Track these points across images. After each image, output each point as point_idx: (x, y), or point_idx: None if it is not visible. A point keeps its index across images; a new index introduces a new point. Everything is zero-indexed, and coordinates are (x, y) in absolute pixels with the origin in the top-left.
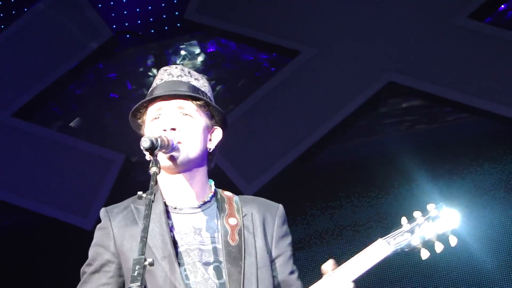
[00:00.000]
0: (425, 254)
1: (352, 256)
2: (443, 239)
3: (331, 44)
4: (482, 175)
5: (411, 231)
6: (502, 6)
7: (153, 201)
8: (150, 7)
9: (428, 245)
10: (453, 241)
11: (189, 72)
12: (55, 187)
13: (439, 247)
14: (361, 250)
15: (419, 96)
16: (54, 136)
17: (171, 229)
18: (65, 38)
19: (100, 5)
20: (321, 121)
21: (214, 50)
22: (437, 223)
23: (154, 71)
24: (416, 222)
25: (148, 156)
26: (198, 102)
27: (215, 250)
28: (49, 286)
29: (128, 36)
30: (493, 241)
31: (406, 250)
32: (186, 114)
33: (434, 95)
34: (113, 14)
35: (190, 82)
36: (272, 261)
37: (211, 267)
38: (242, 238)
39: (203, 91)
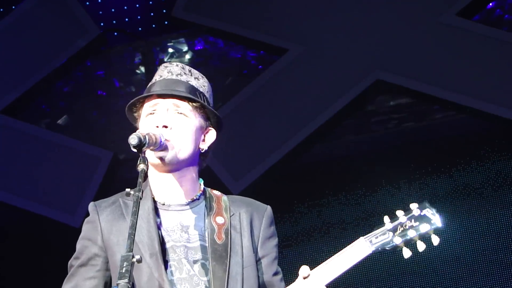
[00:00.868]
0: (407, 253)
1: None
2: (426, 238)
3: (319, 42)
4: (469, 174)
5: (393, 230)
6: (490, 4)
7: (141, 198)
8: (137, 5)
9: (410, 244)
10: (435, 240)
11: (189, 71)
12: (43, 184)
13: (421, 246)
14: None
15: (407, 94)
16: (42, 133)
17: (158, 226)
18: (53, 36)
19: (87, 3)
20: (309, 118)
21: (201, 48)
22: (420, 222)
23: (142, 68)
24: (399, 221)
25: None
26: (193, 104)
27: (202, 248)
28: (35, 283)
29: (115, 33)
30: (480, 239)
31: (388, 249)
32: (181, 113)
33: (422, 93)
34: (100, 12)
35: (189, 82)
36: (257, 261)
37: (197, 265)
38: (229, 237)
39: (201, 92)
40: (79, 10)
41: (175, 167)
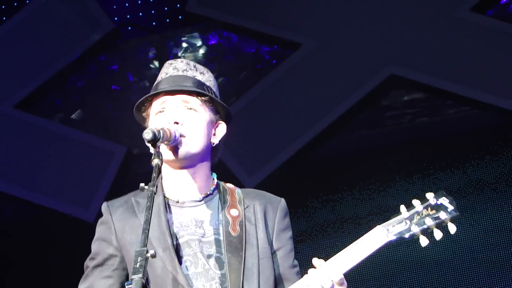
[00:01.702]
0: (424, 241)
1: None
2: (443, 226)
3: (333, 36)
4: (483, 169)
5: (410, 218)
6: None
7: (155, 193)
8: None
9: (427, 232)
10: (452, 229)
11: (194, 66)
12: (57, 178)
13: (438, 235)
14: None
15: (421, 89)
16: (56, 127)
17: (171, 220)
18: (67, 30)
19: None
20: (323, 113)
21: (215, 43)
22: (436, 210)
23: (156, 63)
24: (415, 210)
25: (151, 148)
26: (203, 98)
27: (216, 241)
28: (49, 278)
29: (129, 28)
30: (494, 234)
31: (405, 237)
32: (191, 109)
33: (436, 88)
34: (114, 6)
35: (196, 77)
36: (272, 253)
37: (212, 258)
38: (244, 229)
39: (208, 86)
40: (93, 4)
41: (188, 162)
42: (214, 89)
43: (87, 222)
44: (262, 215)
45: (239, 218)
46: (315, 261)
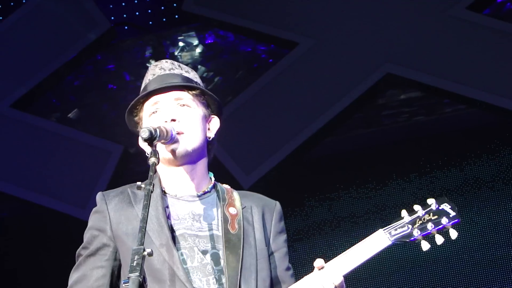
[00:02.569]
0: (425, 246)
1: (350, 248)
2: (444, 231)
3: (329, 35)
4: (480, 167)
5: (412, 223)
6: None
7: (152, 192)
8: None
9: (429, 237)
10: (453, 234)
11: (179, 66)
12: (53, 178)
13: (439, 240)
14: (359, 241)
15: (417, 88)
16: (52, 127)
17: (169, 213)
18: (63, 29)
19: None
20: (319, 112)
21: (212, 42)
22: (438, 216)
23: (152, 62)
24: (417, 215)
25: (147, 147)
26: (194, 92)
27: (213, 237)
28: (45, 277)
29: (126, 27)
30: (491, 233)
31: (406, 241)
32: (184, 105)
33: (432, 87)
34: (111, 6)
35: (183, 74)
36: (269, 255)
37: (209, 254)
38: (242, 228)
39: (196, 82)
40: (89, 3)
41: (186, 159)
42: (202, 86)
43: (84, 221)
44: (260, 216)
45: (237, 217)
46: (317, 262)
